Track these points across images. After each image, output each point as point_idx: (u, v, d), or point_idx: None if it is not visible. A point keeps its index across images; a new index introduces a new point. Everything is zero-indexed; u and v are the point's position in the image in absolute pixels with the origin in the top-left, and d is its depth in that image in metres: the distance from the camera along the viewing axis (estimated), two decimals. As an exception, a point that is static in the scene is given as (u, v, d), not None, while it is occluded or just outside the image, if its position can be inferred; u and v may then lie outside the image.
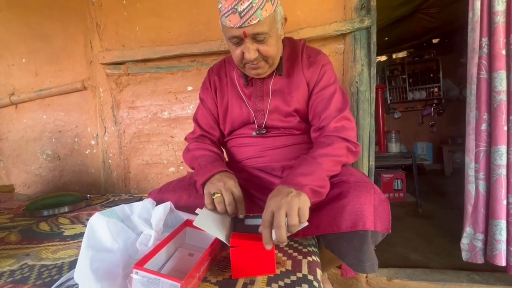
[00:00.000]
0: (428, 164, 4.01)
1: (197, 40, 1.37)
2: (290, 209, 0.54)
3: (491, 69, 1.09)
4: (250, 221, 0.65)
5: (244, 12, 0.65)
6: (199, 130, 0.93)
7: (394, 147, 2.62)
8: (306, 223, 0.55)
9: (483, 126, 1.12)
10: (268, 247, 0.52)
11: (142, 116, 1.52)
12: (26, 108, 1.72)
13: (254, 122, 0.85)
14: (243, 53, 0.73)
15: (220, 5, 0.69)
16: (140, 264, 0.47)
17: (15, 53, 1.71)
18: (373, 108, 1.21)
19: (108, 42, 1.51)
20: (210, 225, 0.58)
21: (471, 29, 1.10)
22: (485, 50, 1.10)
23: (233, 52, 0.75)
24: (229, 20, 0.67)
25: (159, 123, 1.51)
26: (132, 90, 1.52)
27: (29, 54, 1.68)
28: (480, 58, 1.10)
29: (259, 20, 0.66)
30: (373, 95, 1.20)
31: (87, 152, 1.64)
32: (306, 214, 0.55)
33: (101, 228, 0.56)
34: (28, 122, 1.73)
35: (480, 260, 1.16)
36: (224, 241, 0.56)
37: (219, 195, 0.66)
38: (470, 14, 1.09)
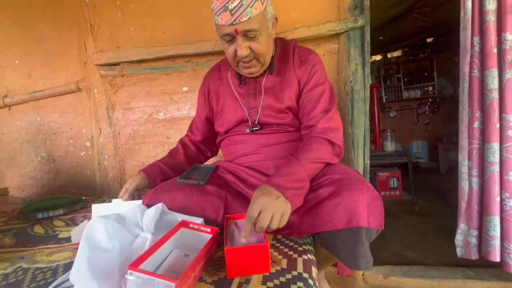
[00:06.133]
0: (423, 162, 4.04)
1: (192, 41, 1.37)
2: (276, 214, 0.58)
3: (483, 68, 1.10)
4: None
5: (234, 10, 0.68)
6: (188, 130, 1.07)
7: (389, 146, 2.63)
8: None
9: (476, 124, 1.13)
10: (244, 240, 0.56)
11: (137, 117, 1.52)
12: (19, 110, 1.70)
13: (248, 120, 0.87)
14: (235, 51, 0.76)
15: (212, 5, 0.72)
16: (135, 265, 0.47)
17: (7, 55, 1.69)
18: (368, 107, 1.21)
19: (102, 43, 1.50)
20: None
21: (463, 28, 1.11)
22: (476, 48, 1.11)
23: (226, 50, 0.78)
24: (221, 18, 0.70)
25: (154, 124, 1.50)
26: (127, 91, 1.51)
27: (22, 56, 1.67)
28: (472, 56, 1.11)
29: (249, 18, 0.69)
30: (368, 94, 1.21)
31: (82, 154, 1.63)
32: (285, 221, 0.60)
33: (99, 228, 0.56)
34: (22, 124, 1.71)
35: (474, 256, 1.17)
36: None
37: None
38: (461, 14, 1.11)
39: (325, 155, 0.75)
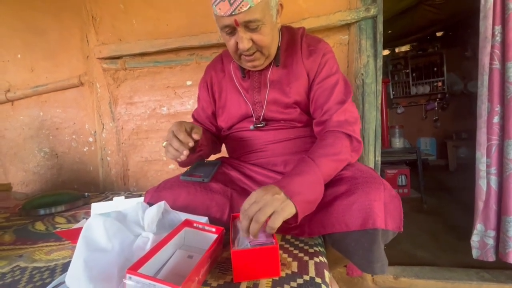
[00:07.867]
0: (432, 160, 3.95)
1: (196, 33, 1.32)
2: (279, 214, 0.52)
3: (504, 59, 1.03)
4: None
5: None
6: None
7: (398, 142, 2.57)
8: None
9: (496, 119, 1.07)
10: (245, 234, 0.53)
11: (140, 112, 1.48)
12: (22, 105, 1.68)
13: (252, 116, 0.82)
14: (237, 43, 0.70)
15: None
16: (134, 268, 0.43)
17: (10, 48, 1.66)
18: (379, 102, 1.16)
19: (104, 35, 1.46)
20: None
21: (483, 17, 1.04)
22: (498, 38, 1.04)
23: (227, 42, 0.73)
24: (219, 8, 0.64)
25: (158, 119, 1.47)
26: (129, 85, 1.47)
27: (24, 49, 1.64)
28: (492, 47, 1.05)
29: (250, 7, 0.63)
30: (379, 87, 1.15)
31: (85, 150, 1.61)
32: (276, 222, 0.51)
33: (98, 227, 0.53)
34: (25, 119, 1.69)
35: (491, 257, 1.12)
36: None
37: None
38: (482, 1, 1.04)
39: (342, 150, 0.67)
